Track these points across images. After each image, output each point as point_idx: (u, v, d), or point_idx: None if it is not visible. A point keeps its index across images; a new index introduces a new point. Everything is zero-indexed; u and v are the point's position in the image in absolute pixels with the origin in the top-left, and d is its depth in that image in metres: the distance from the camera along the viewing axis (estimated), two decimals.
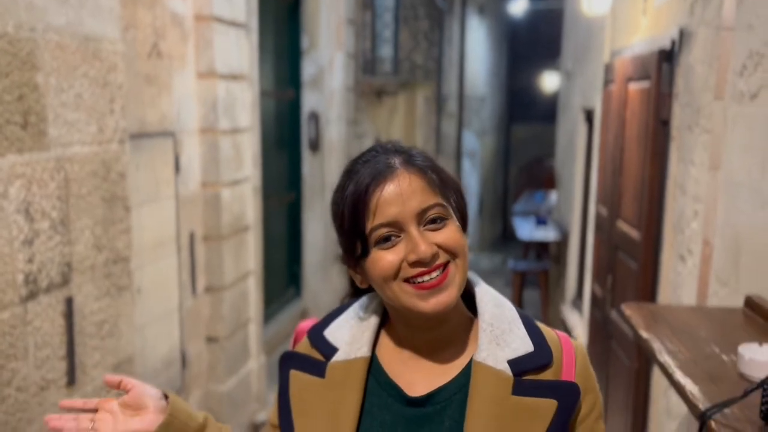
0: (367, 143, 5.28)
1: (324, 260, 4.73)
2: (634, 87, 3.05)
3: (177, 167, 2.75)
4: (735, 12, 2.04)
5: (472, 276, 0.98)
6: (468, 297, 0.98)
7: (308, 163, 4.58)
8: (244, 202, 3.29)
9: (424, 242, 0.86)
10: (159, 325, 2.65)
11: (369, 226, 0.87)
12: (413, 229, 0.87)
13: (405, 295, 0.88)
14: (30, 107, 1.79)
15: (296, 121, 4.48)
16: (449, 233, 0.88)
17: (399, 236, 0.87)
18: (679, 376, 1.40)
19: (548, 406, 0.88)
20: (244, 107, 3.22)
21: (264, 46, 3.72)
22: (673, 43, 2.61)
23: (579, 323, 4.63)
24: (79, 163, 2.00)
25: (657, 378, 2.68)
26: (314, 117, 4.56)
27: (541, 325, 0.97)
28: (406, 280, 0.87)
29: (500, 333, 0.92)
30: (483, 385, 0.89)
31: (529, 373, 0.90)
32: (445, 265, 0.88)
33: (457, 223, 0.90)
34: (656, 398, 2.70)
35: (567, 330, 5.00)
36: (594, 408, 0.94)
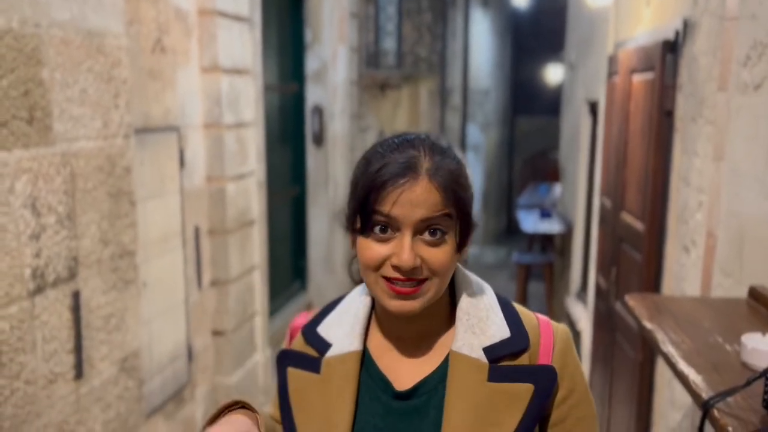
0: (371, 137, 5.28)
1: (329, 254, 4.74)
2: (638, 78, 3.05)
3: (182, 162, 2.76)
4: (738, 2, 2.03)
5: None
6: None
7: (312, 157, 4.58)
8: (249, 196, 3.30)
9: (409, 252, 0.87)
10: (165, 319, 2.66)
11: (373, 209, 0.89)
12: (407, 235, 0.88)
13: (378, 289, 0.91)
14: (35, 102, 1.80)
15: (300, 115, 4.48)
16: (440, 255, 0.89)
17: (394, 234, 0.89)
18: (683, 365, 1.41)
19: (525, 390, 0.90)
20: (248, 101, 3.23)
21: (267, 41, 3.72)
22: (677, 34, 2.61)
23: (583, 315, 4.64)
24: (85, 158, 2.01)
25: (661, 368, 2.69)
26: (318, 111, 4.56)
27: (522, 310, 0.98)
28: (384, 277, 0.90)
29: (476, 321, 0.94)
30: (459, 374, 0.91)
31: (505, 358, 0.92)
32: (423, 280, 0.90)
33: (453, 244, 0.91)
34: (660, 389, 2.71)
35: (571, 322, 5.00)
36: (570, 396, 0.95)
